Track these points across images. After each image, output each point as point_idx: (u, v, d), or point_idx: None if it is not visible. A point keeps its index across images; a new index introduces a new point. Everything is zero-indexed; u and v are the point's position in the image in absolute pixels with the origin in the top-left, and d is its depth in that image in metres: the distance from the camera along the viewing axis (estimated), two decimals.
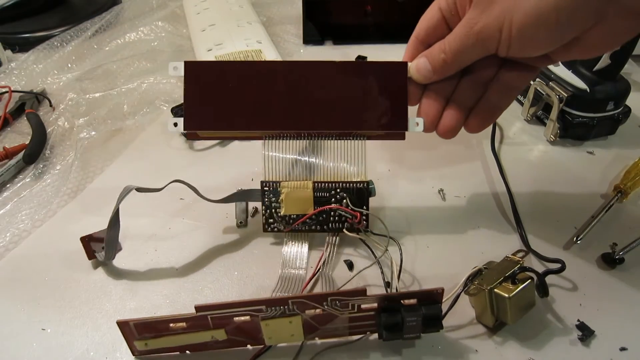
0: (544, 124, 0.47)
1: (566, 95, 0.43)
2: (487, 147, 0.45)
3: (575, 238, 0.36)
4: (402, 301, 0.27)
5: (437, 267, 0.34)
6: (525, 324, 0.30)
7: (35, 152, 0.45)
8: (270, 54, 0.54)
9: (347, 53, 0.60)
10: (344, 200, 0.34)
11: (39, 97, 0.53)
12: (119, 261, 0.35)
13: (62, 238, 0.37)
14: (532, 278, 0.29)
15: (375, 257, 0.34)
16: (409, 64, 0.32)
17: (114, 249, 0.34)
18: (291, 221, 0.35)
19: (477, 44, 0.29)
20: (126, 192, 0.33)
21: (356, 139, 0.34)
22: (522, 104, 0.50)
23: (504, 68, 0.32)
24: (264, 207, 0.35)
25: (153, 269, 0.35)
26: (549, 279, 0.32)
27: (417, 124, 0.32)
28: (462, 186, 0.41)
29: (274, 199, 0.35)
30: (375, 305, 0.27)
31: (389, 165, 0.44)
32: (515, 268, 0.29)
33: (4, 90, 0.52)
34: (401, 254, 0.34)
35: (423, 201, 0.40)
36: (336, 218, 0.35)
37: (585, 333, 0.30)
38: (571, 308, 0.31)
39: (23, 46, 0.62)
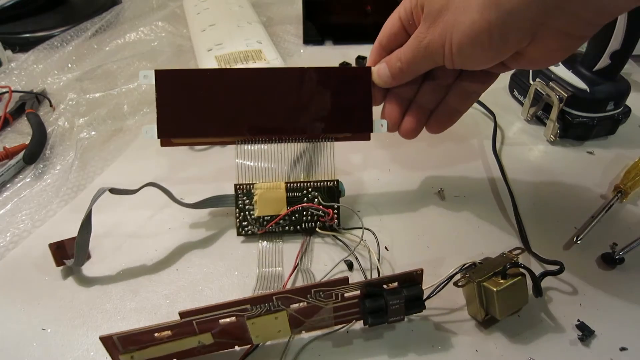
0: (544, 124, 0.47)
1: (566, 95, 0.43)
2: (487, 147, 0.45)
3: (575, 238, 0.36)
4: (384, 285, 0.28)
5: (436, 267, 0.34)
6: (525, 323, 0.30)
7: (35, 152, 0.45)
8: (270, 54, 0.54)
9: (347, 53, 0.60)
10: (316, 200, 0.35)
11: (39, 97, 0.53)
12: (120, 261, 0.35)
13: (63, 238, 0.36)
14: (523, 275, 0.30)
15: (350, 250, 0.35)
16: (373, 68, 0.34)
17: (85, 253, 0.34)
18: (265, 223, 0.35)
19: (426, 56, 0.31)
20: (100, 193, 0.33)
21: (325, 141, 0.35)
22: (522, 104, 0.50)
23: (463, 74, 0.33)
24: (237, 210, 0.35)
25: (153, 269, 0.35)
26: (549, 279, 0.32)
27: (382, 125, 0.34)
28: (461, 186, 0.41)
29: (247, 201, 0.35)
30: (358, 292, 0.28)
31: (389, 165, 0.44)
32: (507, 263, 0.30)
33: (4, 90, 0.52)
34: (378, 244, 0.34)
35: (423, 201, 0.40)
36: (309, 217, 0.35)
37: (585, 333, 0.30)
38: (571, 308, 0.31)
39: (23, 46, 0.62)
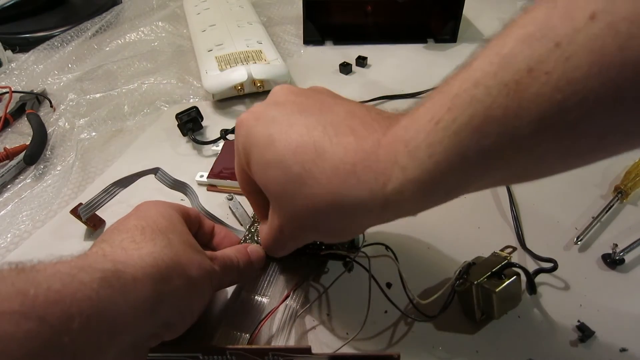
0: None
1: None
2: None
3: (575, 239, 0.36)
4: None
5: (437, 268, 0.34)
6: (525, 324, 0.31)
7: (35, 152, 0.45)
8: (270, 54, 0.54)
9: (347, 53, 0.60)
10: None
11: (40, 98, 0.53)
12: None
13: (63, 239, 0.37)
14: (518, 274, 0.30)
15: (345, 266, 0.33)
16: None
17: (101, 202, 0.34)
18: None
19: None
20: (150, 171, 0.35)
21: None
22: None
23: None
24: (246, 232, 0.35)
25: None
26: (550, 280, 0.32)
27: None
28: None
29: (257, 225, 0.35)
30: None
31: None
32: (503, 264, 0.30)
33: (4, 90, 0.52)
34: (394, 255, 0.33)
35: None
36: (316, 245, 0.33)
37: (586, 334, 0.30)
38: (571, 308, 0.31)
39: (23, 46, 0.62)
